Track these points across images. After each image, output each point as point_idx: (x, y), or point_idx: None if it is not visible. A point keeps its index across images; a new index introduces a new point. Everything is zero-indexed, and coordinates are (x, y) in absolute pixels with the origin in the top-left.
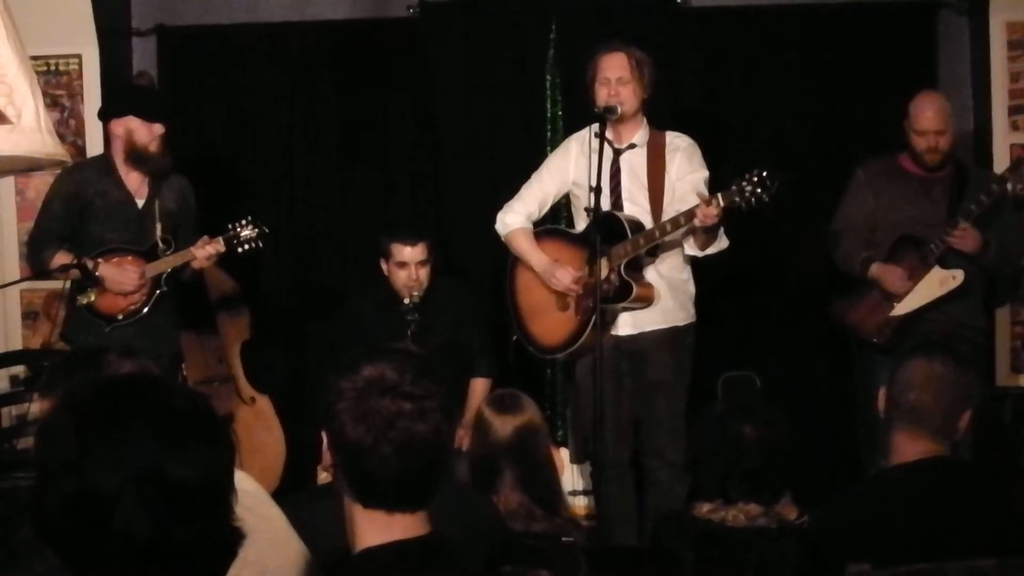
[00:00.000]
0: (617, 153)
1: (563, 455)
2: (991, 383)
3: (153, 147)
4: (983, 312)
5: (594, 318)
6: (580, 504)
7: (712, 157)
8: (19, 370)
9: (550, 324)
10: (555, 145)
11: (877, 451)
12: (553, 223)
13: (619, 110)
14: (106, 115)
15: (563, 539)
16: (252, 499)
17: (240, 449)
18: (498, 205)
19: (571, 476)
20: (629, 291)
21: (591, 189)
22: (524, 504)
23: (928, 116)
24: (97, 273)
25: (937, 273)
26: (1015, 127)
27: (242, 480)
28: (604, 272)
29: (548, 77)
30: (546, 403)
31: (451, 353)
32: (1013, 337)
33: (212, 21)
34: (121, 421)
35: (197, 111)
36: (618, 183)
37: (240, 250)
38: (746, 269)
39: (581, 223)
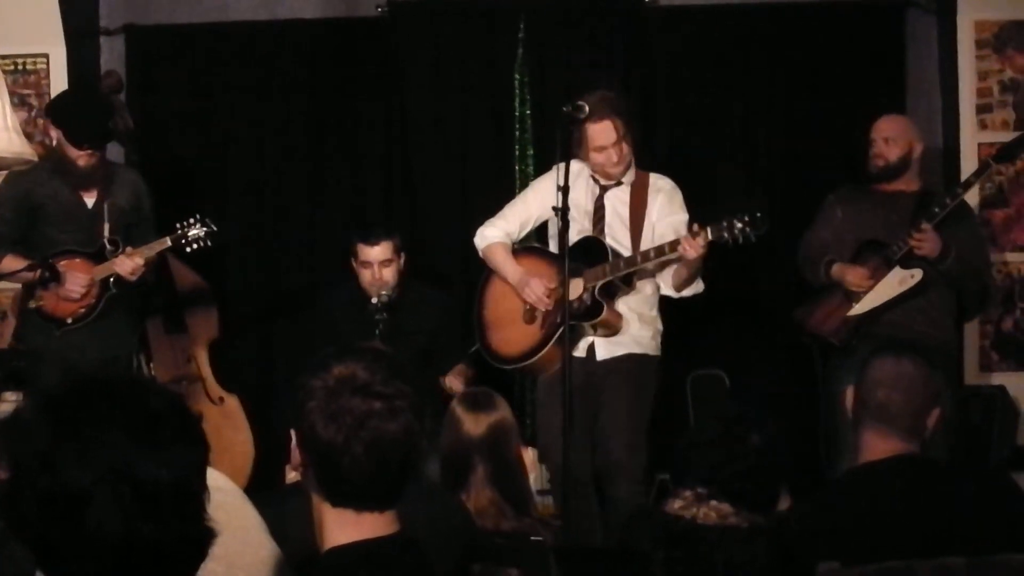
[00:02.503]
0: (603, 189)
1: (531, 455)
2: (960, 382)
3: (81, 162)
4: (951, 327)
5: (560, 331)
6: (548, 503)
7: (680, 159)
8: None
9: (512, 335)
10: (524, 144)
11: (839, 456)
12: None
13: (618, 175)
14: (48, 116)
15: (532, 538)
16: (225, 496)
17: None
18: (469, 204)
19: (539, 476)
20: (599, 310)
21: (557, 211)
22: (495, 502)
23: (881, 125)
24: (58, 272)
25: (897, 272)
26: (983, 126)
27: (216, 478)
28: (578, 291)
29: (517, 76)
30: (514, 404)
31: (424, 359)
32: (982, 336)
33: (182, 20)
34: (95, 418)
35: (166, 110)
36: (601, 217)
37: (189, 249)
38: (714, 273)
39: (557, 246)
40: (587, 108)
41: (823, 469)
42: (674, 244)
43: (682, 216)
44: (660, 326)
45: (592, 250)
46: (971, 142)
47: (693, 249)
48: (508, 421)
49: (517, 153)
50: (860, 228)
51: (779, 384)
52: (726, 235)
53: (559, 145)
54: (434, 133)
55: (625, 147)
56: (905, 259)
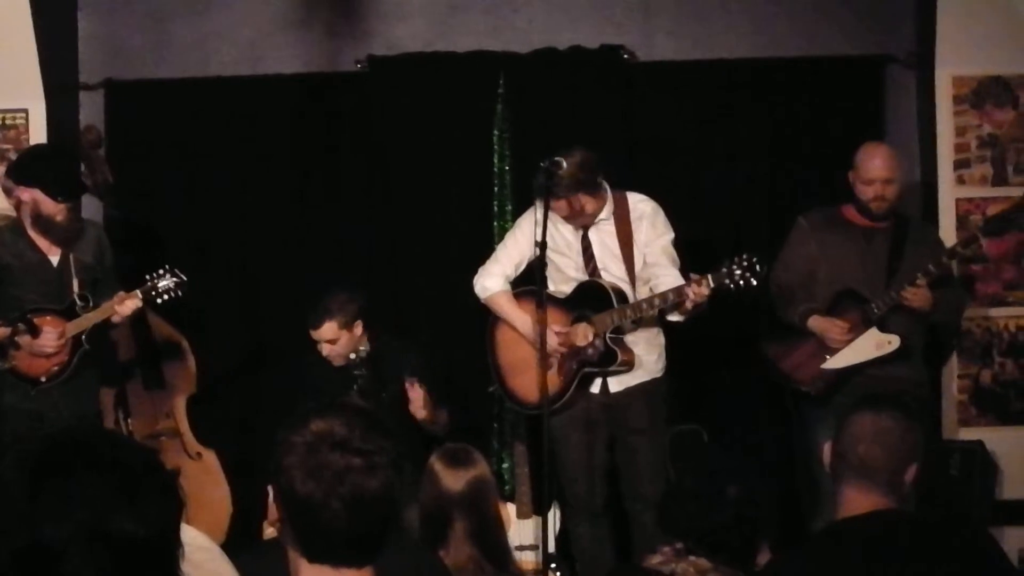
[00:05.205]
0: (585, 228)
1: (509, 510)
2: (938, 436)
3: (60, 217)
4: (923, 367)
5: (578, 375)
6: (527, 559)
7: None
8: None
9: (531, 382)
10: (503, 199)
11: (819, 508)
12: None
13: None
14: (15, 179)
15: None
16: (204, 554)
17: (187, 504)
18: (449, 256)
19: (517, 531)
20: (614, 358)
21: (537, 243)
22: (474, 558)
23: (876, 165)
24: (35, 325)
25: (874, 335)
26: (961, 181)
27: (193, 535)
28: (589, 338)
29: (496, 132)
30: (493, 458)
31: (400, 410)
32: (960, 390)
33: (162, 75)
34: (69, 475)
35: (146, 165)
36: (591, 255)
37: (159, 300)
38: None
39: (554, 285)
40: (564, 164)
41: (804, 521)
42: (679, 292)
43: (668, 236)
44: (662, 339)
45: (594, 293)
46: (949, 196)
47: (698, 296)
48: (487, 476)
49: (496, 208)
50: (836, 267)
51: (757, 431)
52: (728, 281)
53: (537, 200)
54: (414, 188)
55: (589, 206)
56: (884, 318)
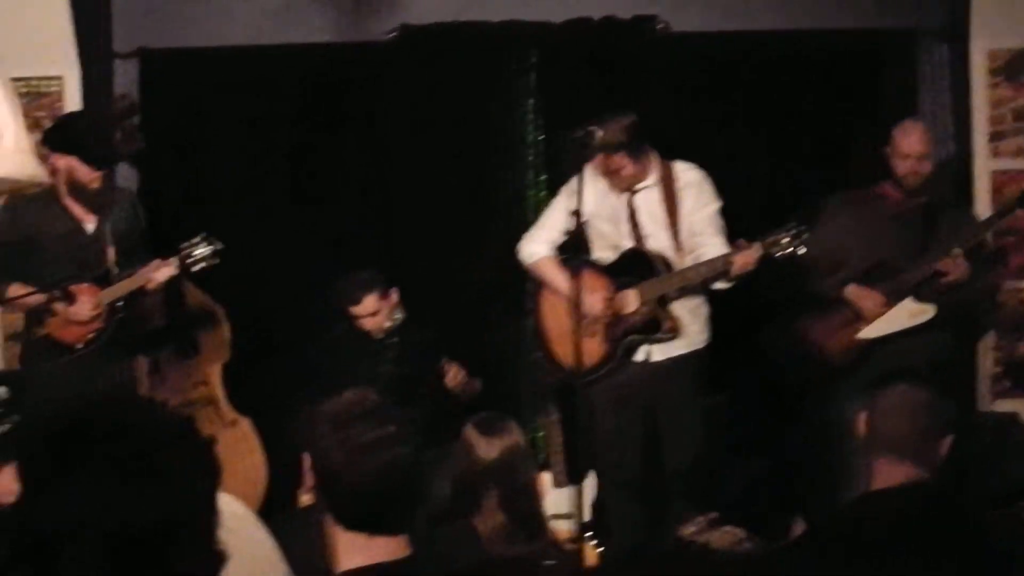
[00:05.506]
0: (632, 194)
1: (545, 479)
2: (972, 409)
3: (95, 185)
4: (956, 339)
5: (623, 341)
6: (563, 527)
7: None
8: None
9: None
10: (538, 169)
11: (848, 476)
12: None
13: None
14: (50, 146)
15: (545, 563)
16: (238, 522)
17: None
18: (483, 229)
19: (553, 500)
20: (659, 325)
21: (574, 214)
22: (506, 526)
23: (912, 140)
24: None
25: (908, 305)
26: (995, 153)
27: (229, 502)
28: (634, 305)
29: (531, 101)
30: (527, 428)
31: (432, 381)
32: (994, 363)
33: (195, 43)
34: (97, 452)
35: (179, 133)
36: (637, 222)
37: (195, 269)
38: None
39: (598, 252)
40: (598, 134)
41: (835, 493)
42: (726, 260)
43: (714, 205)
44: (706, 309)
45: (639, 261)
46: (984, 170)
47: (747, 264)
48: (521, 446)
49: (530, 178)
50: (870, 241)
51: (784, 403)
52: (775, 249)
53: (572, 170)
54: (446, 157)
55: (628, 168)
56: (920, 288)
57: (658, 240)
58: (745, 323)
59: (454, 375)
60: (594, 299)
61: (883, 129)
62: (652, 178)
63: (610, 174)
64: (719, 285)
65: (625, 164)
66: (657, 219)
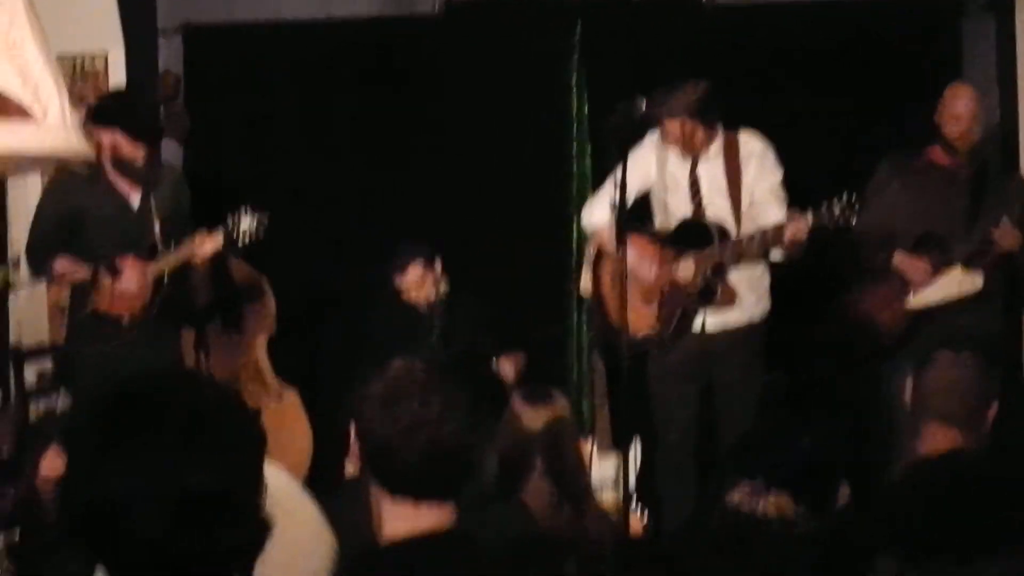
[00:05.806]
0: (695, 161)
1: (590, 449)
2: (1019, 379)
3: (139, 159)
4: (1004, 317)
5: (679, 311)
6: (608, 498)
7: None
8: (47, 366)
9: (637, 316)
10: (582, 142)
11: (896, 446)
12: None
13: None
14: (95, 120)
15: (590, 533)
16: (283, 492)
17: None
18: (528, 203)
19: (598, 470)
20: (714, 295)
21: (623, 185)
22: (553, 497)
23: (963, 103)
24: (117, 266)
25: (957, 274)
26: None
27: (274, 473)
28: (690, 274)
29: (575, 74)
30: (571, 397)
31: (475, 355)
32: None
33: (239, 18)
34: (142, 427)
35: (223, 109)
36: (698, 190)
37: (240, 243)
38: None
39: (659, 219)
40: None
41: (882, 462)
42: (778, 230)
43: (776, 176)
44: (766, 281)
45: (696, 230)
46: None
47: (800, 233)
48: (566, 416)
49: (575, 151)
50: (918, 209)
51: (833, 375)
52: (827, 220)
53: (634, 139)
54: (490, 132)
55: (699, 135)
56: (968, 258)
57: (718, 209)
58: (804, 296)
59: (508, 370)
60: (651, 267)
61: (931, 100)
62: (716, 148)
63: (680, 141)
64: (775, 256)
65: (697, 131)
66: (719, 188)
